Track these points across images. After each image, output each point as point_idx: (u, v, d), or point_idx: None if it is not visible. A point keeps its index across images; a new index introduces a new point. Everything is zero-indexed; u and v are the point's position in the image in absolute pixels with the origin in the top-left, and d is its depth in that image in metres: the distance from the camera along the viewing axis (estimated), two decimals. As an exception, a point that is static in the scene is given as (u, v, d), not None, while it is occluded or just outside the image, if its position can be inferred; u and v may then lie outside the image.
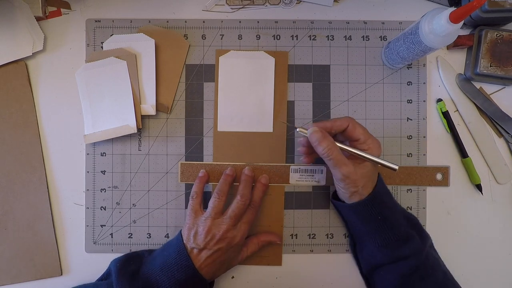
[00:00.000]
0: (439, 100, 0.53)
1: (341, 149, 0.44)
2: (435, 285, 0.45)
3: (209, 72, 0.53)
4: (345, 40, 0.54)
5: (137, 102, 0.51)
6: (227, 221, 0.46)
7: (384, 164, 0.44)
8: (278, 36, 0.54)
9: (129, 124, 0.51)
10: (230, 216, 0.47)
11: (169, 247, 0.47)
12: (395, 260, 0.46)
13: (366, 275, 0.51)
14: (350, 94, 0.53)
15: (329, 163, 0.44)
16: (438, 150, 0.54)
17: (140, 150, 0.53)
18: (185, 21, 0.53)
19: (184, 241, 0.46)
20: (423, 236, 0.48)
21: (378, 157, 0.45)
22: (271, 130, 0.53)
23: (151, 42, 0.52)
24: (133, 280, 0.44)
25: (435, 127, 0.54)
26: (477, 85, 0.53)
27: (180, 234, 0.48)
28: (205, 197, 0.52)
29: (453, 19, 0.38)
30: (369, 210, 0.45)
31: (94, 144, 0.53)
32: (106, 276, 0.48)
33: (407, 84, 0.54)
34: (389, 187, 0.53)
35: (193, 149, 0.53)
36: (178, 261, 0.45)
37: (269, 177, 0.52)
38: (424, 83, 0.53)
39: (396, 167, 0.44)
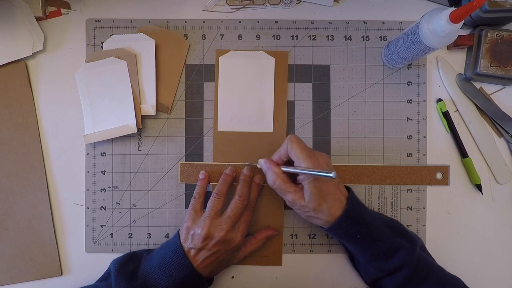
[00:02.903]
0: (439, 100, 0.53)
1: (284, 171, 0.46)
2: (434, 285, 0.45)
3: (209, 72, 0.53)
4: (345, 40, 0.54)
5: (137, 102, 0.51)
6: (227, 221, 0.46)
7: (317, 174, 0.42)
8: (278, 36, 0.54)
9: (129, 124, 0.51)
10: (229, 216, 0.47)
11: (166, 245, 0.47)
12: (388, 273, 0.45)
13: (369, 285, 0.51)
14: (350, 94, 0.53)
15: (277, 192, 0.47)
16: (438, 150, 0.54)
17: (140, 150, 0.53)
18: (185, 21, 0.53)
19: (182, 241, 0.46)
20: (411, 240, 0.47)
21: (312, 169, 0.43)
22: (271, 130, 0.53)
23: (151, 42, 0.52)
24: (131, 280, 0.44)
25: (435, 127, 0.54)
26: (477, 85, 0.53)
27: (177, 233, 0.48)
28: (206, 197, 0.51)
29: (453, 19, 0.38)
30: (344, 231, 0.45)
31: (94, 144, 0.53)
32: (106, 277, 0.48)
33: (407, 84, 0.54)
34: (389, 186, 0.53)
35: (193, 149, 0.53)
36: (175, 259, 0.45)
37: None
38: (424, 83, 0.53)
39: (332, 174, 0.40)
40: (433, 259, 0.49)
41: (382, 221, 0.47)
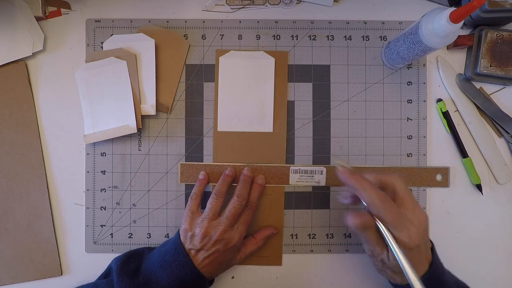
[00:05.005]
0: (439, 100, 0.53)
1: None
2: None
3: (209, 72, 0.53)
4: (345, 40, 0.54)
5: (137, 102, 0.51)
6: (224, 221, 0.46)
7: (408, 273, 0.36)
8: (278, 36, 0.54)
9: (129, 124, 0.51)
10: (227, 216, 0.47)
11: (167, 244, 0.47)
12: None
13: None
14: (350, 94, 0.53)
15: (359, 234, 0.40)
16: (438, 150, 0.54)
17: (140, 150, 0.53)
18: (185, 21, 0.53)
19: (182, 241, 0.46)
20: None
21: (408, 262, 0.37)
22: (271, 130, 0.53)
23: (151, 42, 0.52)
24: (133, 277, 0.44)
25: (435, 127, 0.54)
26: (477, 85, 0.53)
27: (178, 232, 0.48)
28: (205, 197, 0.52)
29: (453, 19, 0.38)
30: None
31: (94, 144, 0.53)
32: (106, 275, 0.48)
33: (407, 84, 0.54)
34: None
35: (193, 149, 0.53)
36: (176, 257, 0.45)
37: (269, 178, 0.52)
38: (424, 83, 0.53)
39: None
40: None
41: (455, 282, 0.43)
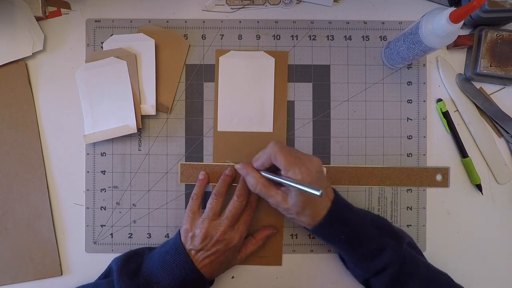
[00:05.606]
0: (439, 100, 0.53)
1: (266, 176, 0.46)
2: (421, 283, 0.44)
3: (209, 72, 0.53)
4: (345, 40, 0.54)
5: (137, 102, 0.51)
6: (225, 222, 0.46)
7: (304, 190, 0.40)
8: (278, 36, 0.54)
9: (129, 124, 0.51)
10: (227, 216, 0.47)
11: (168, 244, 0.47)
12: (375, 274, 0.45)
13: (363, 285, 0.50)
14: (350, 94, 0.53)
15: (260, 195, 0.46)
16: (438, 150, 0.54)
17: (140, 150, 0.53)
18: (185, 21, 0.53)
19: (182, 241, 0.46)
20: (398, 238, 0.46)
21: (300, 183, 0.41)
22: (271, 130, 0.53)
23: (151, 42, 0.52)
24: (134, 278, 0.44)
25: (435, 127, 0.54)
26: (477, 85, 0.53)
27: (178, 232, 0.48)
28: (205, 197, 0.52)
29: (453, 19, 0.38)
30: (328, 232, 0.45)
31: (94, 144, 0.53)
32: (106, 275, 0.48)
33: (407, 84, 0.54)
34: (389, 188, 0.53)
35: (193, 149, 0.53)
36: (176, 257, 0.45)
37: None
38: (424, 83, 0.53)
39: (319, 193, 0.38)
40: (423, 256, 0.48)
41: (368, 220, 0.47)
